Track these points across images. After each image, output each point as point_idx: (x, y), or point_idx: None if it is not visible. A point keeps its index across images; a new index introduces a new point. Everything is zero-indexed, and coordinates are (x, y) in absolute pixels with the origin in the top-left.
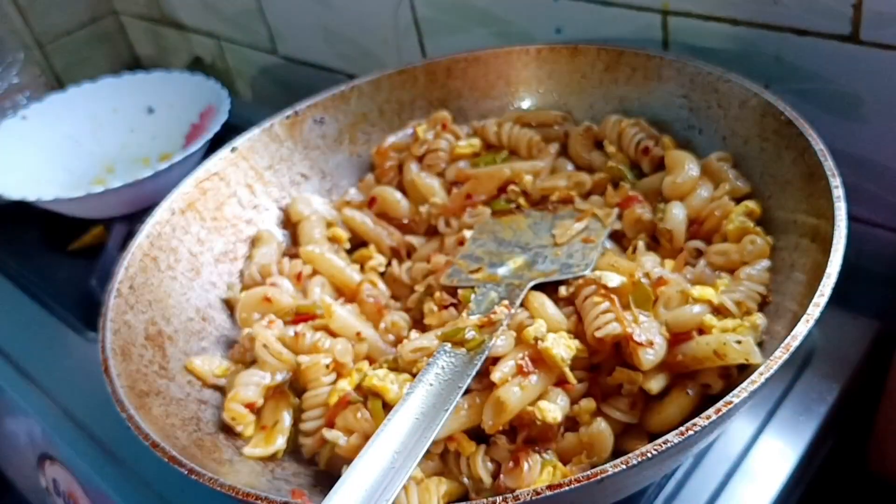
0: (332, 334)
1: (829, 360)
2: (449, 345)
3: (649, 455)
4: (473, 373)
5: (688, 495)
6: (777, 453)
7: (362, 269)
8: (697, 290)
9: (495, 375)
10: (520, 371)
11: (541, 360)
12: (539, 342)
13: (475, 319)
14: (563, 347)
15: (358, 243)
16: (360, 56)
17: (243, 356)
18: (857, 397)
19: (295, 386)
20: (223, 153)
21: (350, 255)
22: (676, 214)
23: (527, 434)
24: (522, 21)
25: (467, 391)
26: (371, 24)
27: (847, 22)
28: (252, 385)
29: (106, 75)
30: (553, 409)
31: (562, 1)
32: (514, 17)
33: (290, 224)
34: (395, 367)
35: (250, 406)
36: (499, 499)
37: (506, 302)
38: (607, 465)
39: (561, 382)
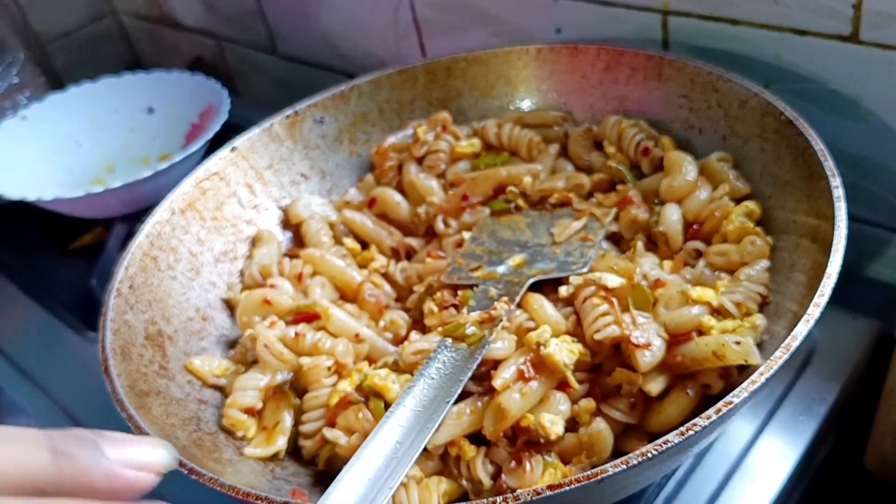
0: (333, 334)
1: (829, 360)
2: (450, 340)
3: (650, 455)
4: (474, 367)
5: (688, 495)
6: (777, 453)
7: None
8: (697, 292)
9: (496, 382)
10: (521, 377)
11: (542, 364)
12: (542, 348)
13: (475, 316)
14: (565, 353)
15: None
16: (360, 56)
17: (244, 357)
18: (857, 397)
19: (296, 386)
20: (223, 153)
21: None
22: (671, 215)
23: (527, 437)
24: (522, 21)
25: (468, 395)
26: (371, 24)
27: (847, 22)
28: (250, 390)
29: (106, 75)
30: (555, 423)
31: (562, 1)
32: (514, 17)
33: (290, 225)
34: (396, 368)
35: (249, 411)
36: (499, 499)
37: (505, 298)
38: (608, 465)
39: (562, 385)
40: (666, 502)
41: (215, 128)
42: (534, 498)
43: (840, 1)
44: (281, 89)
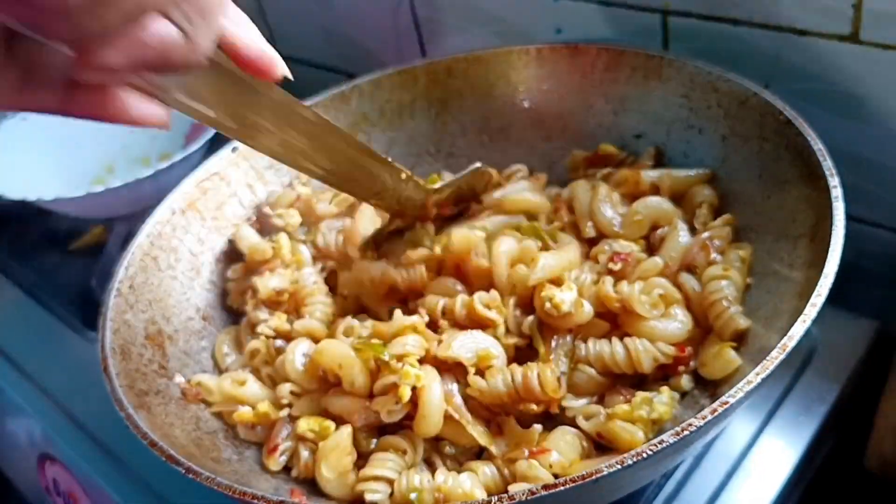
0: None
1: (829, 360)
2: None
3: (645, 455)
4: None
5: (688, 495)
6: (777, 453)
7: None
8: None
9: None
10: None
11: None
12: None
13: None
14: None
15: None
16: (360, 56)
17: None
18: (857, 397)
19: None
20: (224, 153)
21: None
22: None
23: None
24: (522, 21)
25: None
26: (371, 24)
27: (847, 22)
28: None
29: None
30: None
31: (562, 1)
32: (514, 17)
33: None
34: None
35: None
36: (494, 498)
37: None
38: (602, 466)
39: None
40: (666, 502)
41: None
42: (528, 497)
43: (840, 1)
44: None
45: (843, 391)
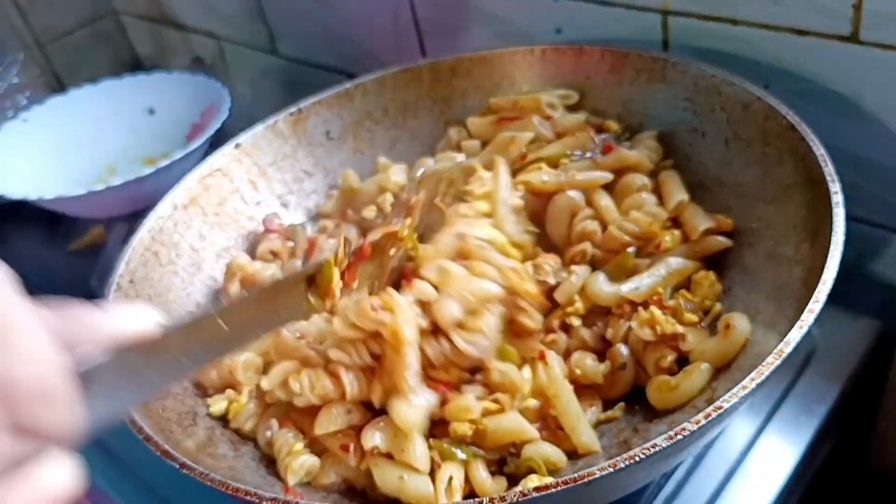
0: None
1: (829, 360)
2: None
3: (637, 459)
4: None
5: (688, 495)
6: (777, 453)
7: None
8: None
9: None
10: None
11: None
12: None
13: None
14: None
15: None
16: (360, 56)
17: None
18: (858, 397)
19: None
20: (227, 149)
21: None
22: None
23: None
24: (522, 21)
25: None
26: (371, 24)
27: (847, 22)
28: None
29: (106, 77)
30: None
31: (562, 1)
32: (514, 17)
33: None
34: None
35: None
36: (485, 500)
37: None
38: (595, 468)
39: None
40: (666, 502)
41: (216, 125)
42: (520, 499)
43: (840, 1)
44: (281, 89)
45: (843, 391)
